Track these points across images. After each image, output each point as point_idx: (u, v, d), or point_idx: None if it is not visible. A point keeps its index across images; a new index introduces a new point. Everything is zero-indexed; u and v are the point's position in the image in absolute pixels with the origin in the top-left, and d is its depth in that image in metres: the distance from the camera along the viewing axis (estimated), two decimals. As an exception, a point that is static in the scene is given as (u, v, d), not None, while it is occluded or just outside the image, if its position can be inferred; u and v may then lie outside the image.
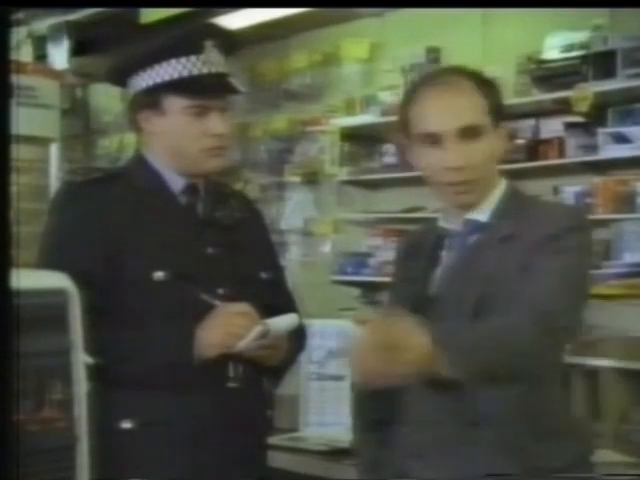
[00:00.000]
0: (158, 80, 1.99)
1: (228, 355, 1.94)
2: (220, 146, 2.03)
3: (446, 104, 1.81)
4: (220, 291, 1.99)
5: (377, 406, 1.93)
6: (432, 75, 1.91)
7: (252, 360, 1.98)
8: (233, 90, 2.05)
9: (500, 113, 1.83)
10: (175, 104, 1.99)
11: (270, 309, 1.98)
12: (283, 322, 1.97)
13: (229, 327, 1.91)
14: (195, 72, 1.97)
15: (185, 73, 1.97)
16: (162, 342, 1.93)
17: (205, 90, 1.98)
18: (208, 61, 1.98)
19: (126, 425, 1.93)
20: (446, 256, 1.88)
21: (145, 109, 2.03)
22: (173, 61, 1.98)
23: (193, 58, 1.97)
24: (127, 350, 1.91)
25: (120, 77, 2.09)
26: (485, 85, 1.83)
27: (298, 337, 2.12)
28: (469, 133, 1.79)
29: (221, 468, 1.96)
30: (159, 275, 1.94)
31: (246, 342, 1.90)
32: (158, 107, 2.01)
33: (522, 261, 1.74)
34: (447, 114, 1.80)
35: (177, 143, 2.01)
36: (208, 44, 1.98)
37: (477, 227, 1.85)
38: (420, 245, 1.95)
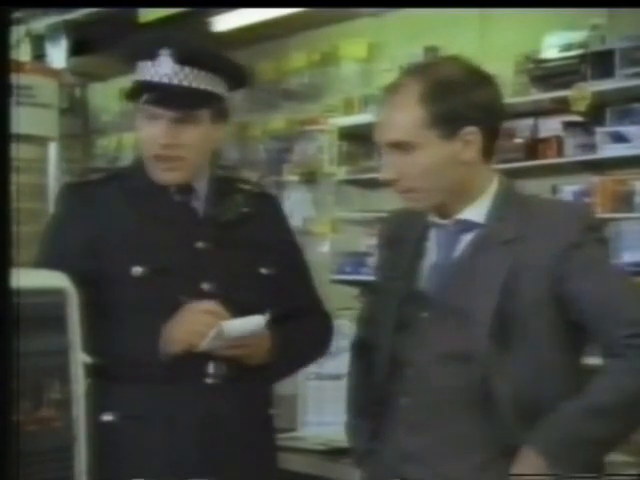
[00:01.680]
0: (134, 78, 2.04)
1: (206, 352, 1.95)
2: (169, 156, 2.01)
3: (382, 117, 1.82)
4: (205, 286, 2.00)
5: (373, 387, 1.92)
6: (397, 77, 1.87)
7: (232, 358, 1.97)
8: (178, 106, 2.00)
9: (459, 119, 1.76)
10: (138, 104, 2.02)
11: (272, 306, 1.97)
12: (240, 324, 1.94)
13: (192, 324, 1.93)
14: (147, 77, 1.99)
15: (140, 77, 2.01)
16: (133, 337, 1.96)
17: (149, 97, 1.99)
18: (160, 70, 1.98)
19: (107, 417, 1.95)
20: (433, 251, 1.87)
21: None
22: (140, 63, 2.01)
23: (149, 64, 1.99)
24: (105, 344, 1.92)
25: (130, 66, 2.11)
26: (441, 91, 1.76)
27: (300, 337, 2.11)
28: (400, 147, 1.77)
29: (203, 462, 1.97)
30: (137, 270, 1.97)
31: (207, 341, 1.91)
32: (136, 105, 2.04)
33: (540, 269, 1.73)
34: (380, 127, 1.81)
35: (140, 143, 2.06)
36: (163, 53, 1.97)
37: (470, 227, 1.83)
38: (402, 237, 1.94)
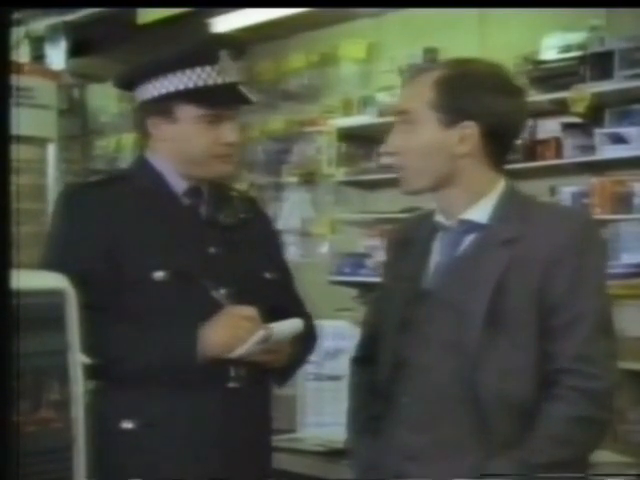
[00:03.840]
0: (172, 89, 2.00)
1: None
2: (230, 153, 2.05)
3: (402, 91, 2.06)
4: (222, 291, 1.99)
5: (374, 402, 1.92)
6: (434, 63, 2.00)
7: (254, 361, 1.97)
8: (246, 100, 2.07)
9: (460, 112, 1.80)
10: (188, 113, 2.00)
11: (275, 310, 1.98)
12: (286, 327, 1.96)
13: (235, 329, 1.92)
14: (210, 82, 1.99)
15: (200, 83, 1.99)
16: (165, 341, 1.93)
17: (219, 100, 2.01)
18: (223, 71, 2.00)
19: (127, 425, 1.93)
20: (437, 251, 1.88)
21: (155, 116, 2.03)
22: (188, 71, 1.99)
23: (208, 68, 1.99)
24: (128, 349, 1.92)
25: (130, 84, 2.09)
26: (456, 81, 1.81)
27: (306, 338, 2.11)
28: (405, 118, 1.85)
29: (223, 468, 1.96)
30: (159, 275, 1.95)
31: (247, 346, 1.90)
32: (170, 115, 2.01)
33: (533, 269, 1.75)
34: (397, 101, 1.97)
35: (188, 150, 2.03)
36: (223, 54, 2.00)
37: (473, 227, 1.84)
38: (412, 239, 1.95)
